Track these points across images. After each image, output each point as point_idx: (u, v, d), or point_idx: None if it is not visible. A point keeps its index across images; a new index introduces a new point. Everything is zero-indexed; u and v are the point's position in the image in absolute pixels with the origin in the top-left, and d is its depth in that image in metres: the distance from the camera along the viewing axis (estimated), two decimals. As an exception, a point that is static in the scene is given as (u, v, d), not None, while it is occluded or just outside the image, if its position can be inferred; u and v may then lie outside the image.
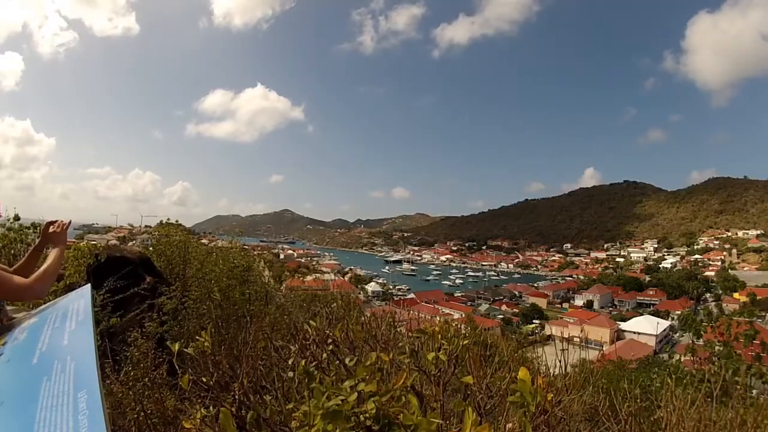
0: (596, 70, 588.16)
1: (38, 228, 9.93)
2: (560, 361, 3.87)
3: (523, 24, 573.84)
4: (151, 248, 9.46)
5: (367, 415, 1.44)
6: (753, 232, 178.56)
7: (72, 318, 2.22)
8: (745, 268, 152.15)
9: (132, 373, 4.10)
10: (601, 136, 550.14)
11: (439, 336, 2.44)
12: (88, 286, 2.65)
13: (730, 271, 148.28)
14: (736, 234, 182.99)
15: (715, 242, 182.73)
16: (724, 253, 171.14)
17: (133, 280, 6.92)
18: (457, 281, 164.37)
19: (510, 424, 1.83)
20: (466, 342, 2.46)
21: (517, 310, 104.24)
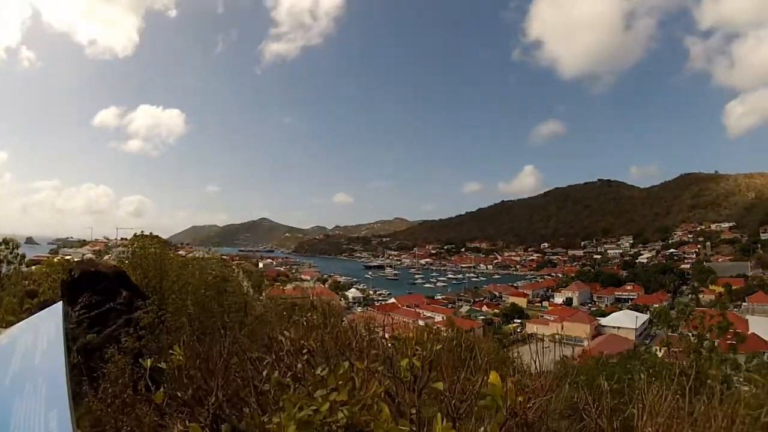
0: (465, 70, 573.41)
1: (9, 244, 9.77)
2: (535, 361, 3.92)
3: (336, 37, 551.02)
4: (126, 261, 9.34)
5: (339, 424, 1.46)
6: (725, 225, 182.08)
7: (44, 337, 2.20)
8: (719, 260, 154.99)
9: (110, 390, 4.05)
10: (486, 139, 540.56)
11: (413, 342, 2.46)
12: (60, 303, 2.63)
13: (704, 263, 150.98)
14: (710, 227, 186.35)
15: (689, 236, 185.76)
16: (699, 246, 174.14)
17: (108, 295, 6.83)
18: (438, 284, 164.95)
19: (482, 428, 1.86)
20: (439, 347, 2.49)
21: (497, 311, 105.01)
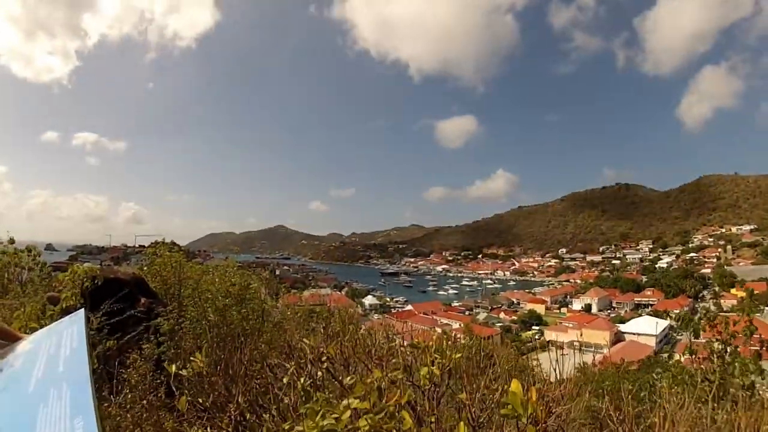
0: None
1: (32, 251, 9.91)
2: (555, 370, 3.88)
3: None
4: (145, 268, 9.41)
5: (361, 432, 1.46)
6: (746, 227, 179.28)
7: (67, 344, 2.21)
8: (740, 264, 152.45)
9: (130, 396, 4.07)
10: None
11: (432, 350, 2.45)
12: (82, 310, 2.65)
13: (725, 267, 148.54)
14: (730, 230, 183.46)
15: (710, 239, 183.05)
16: (719, 249, 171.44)
17: (128, 302, 6.88)
18: (452, 291, 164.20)
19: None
20: (458, 356, 2.47)
21: (515, 317, 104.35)
